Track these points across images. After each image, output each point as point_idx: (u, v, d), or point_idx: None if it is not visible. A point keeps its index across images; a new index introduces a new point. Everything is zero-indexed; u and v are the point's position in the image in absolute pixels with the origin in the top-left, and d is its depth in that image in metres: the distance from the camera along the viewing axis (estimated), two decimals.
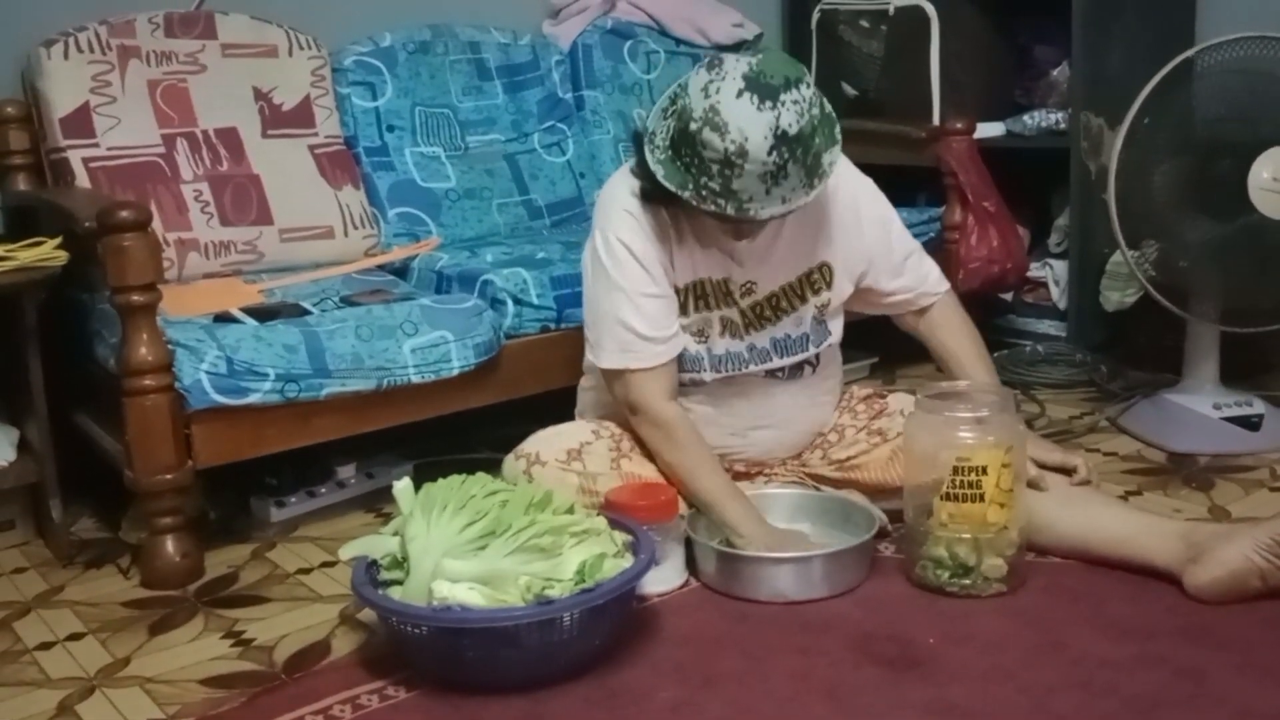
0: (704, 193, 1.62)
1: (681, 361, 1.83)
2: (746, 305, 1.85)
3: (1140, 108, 2.25)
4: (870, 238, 1.90)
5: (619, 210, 1.78)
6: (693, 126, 1.59)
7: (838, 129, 1.71)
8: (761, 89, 1.57)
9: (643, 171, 1.72)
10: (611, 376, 1.81)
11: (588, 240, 1.86)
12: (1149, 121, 2.26)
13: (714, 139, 1.58)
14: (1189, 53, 2.25)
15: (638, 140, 1.74)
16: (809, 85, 1.62)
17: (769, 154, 1.57)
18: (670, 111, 1.69)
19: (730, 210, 1.63)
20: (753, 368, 1.86)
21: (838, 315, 1.93)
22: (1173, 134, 2.26)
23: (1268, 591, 1.58)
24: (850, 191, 1.88)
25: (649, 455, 1.86)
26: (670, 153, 1.66)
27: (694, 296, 1.83)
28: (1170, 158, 2.25)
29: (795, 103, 1.58)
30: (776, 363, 1.87)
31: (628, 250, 1.76)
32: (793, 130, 1.58)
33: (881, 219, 1.93)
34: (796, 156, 1.60)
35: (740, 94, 1.57)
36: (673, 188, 1.65)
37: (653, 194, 1.73)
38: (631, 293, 1.76)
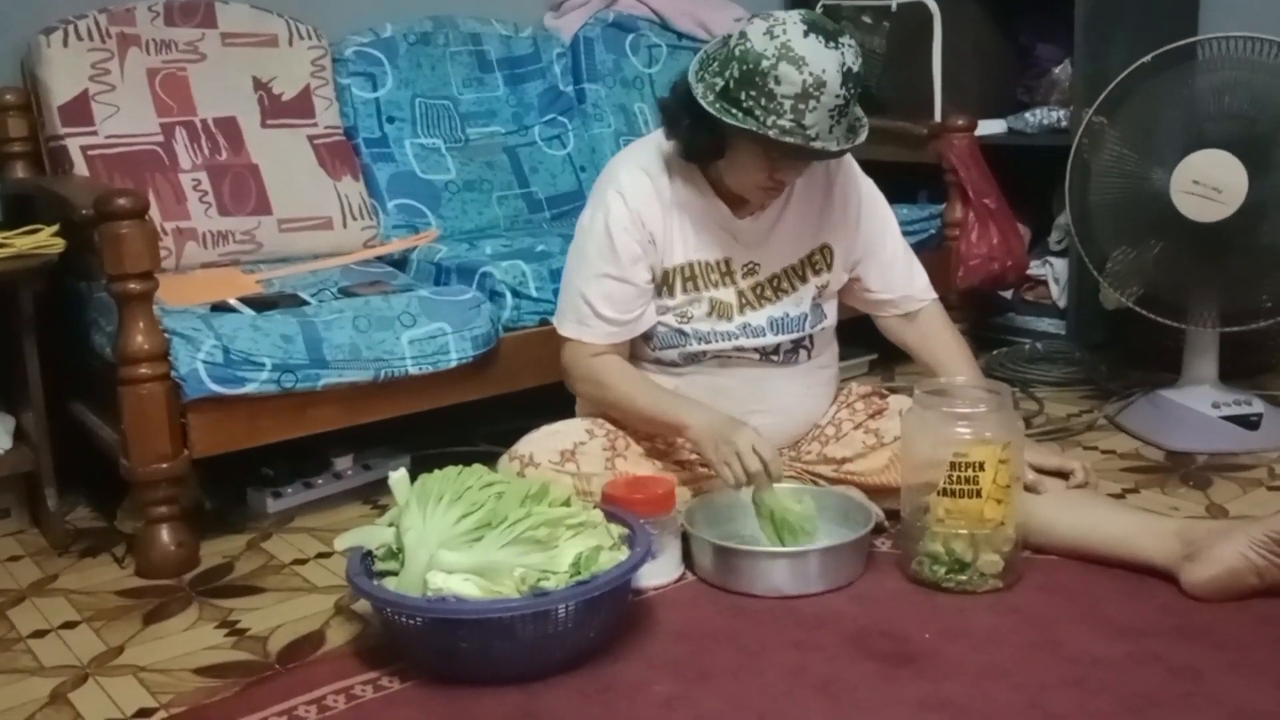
0: (774, 131, 1.65)
1: (661, 337, 1.86)
2: (747, 285, 1.86)
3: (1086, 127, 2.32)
4: (867, 230, 1.93)
5: (612, 191, 1.81)
6: (764, 64, 1.63)
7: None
8: (823, 31, 1.65)
9: (683, 131, 1.76)
10: (561, 341, 1.87)
11: (583, 211, 1.89)
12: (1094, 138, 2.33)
13: (791, 72, 1.62)
14: (1145, 58, 2.29)
15: (666, 108, 1.79)
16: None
17: (841, 87, 1.64)
18: (715, 65, 1.71)
19: (799, 143, 1.66)
20: (744, 341, 1.86)
21: (833, 299, 1.95)
22: (1118, 148, 2.31)
23: (1264, 589, 1.57)
24: (853, 181, 1.93)
25: (645, 454, 1.86)
26: (724, 101, 1.68)
27: (682, 279, 1.84)
28: (1114, 175, 2.31)
29: (850, 46, 1.66)
30: (771, 339, 1.87)
31: (608, 233, 1.80)
32: (856, 68, 1.66)
33: (879, 212, 1.96)
34: (855, 96, 1.68)
35: (806, 34, 1.64)
36: (748, 127, 1.66)
37: (697, 154, 1.78)
38: (600, 273, 1.81)
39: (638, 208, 1.80)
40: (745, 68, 1.65)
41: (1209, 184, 2.17)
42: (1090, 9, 2.74)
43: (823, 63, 1.62)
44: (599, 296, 1.81)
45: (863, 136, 1.74)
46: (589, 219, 1.84)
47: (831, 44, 1.63)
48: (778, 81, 1.63)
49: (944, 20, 2.99)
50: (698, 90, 1.70)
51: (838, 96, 1.64)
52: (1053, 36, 2.95)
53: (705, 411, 1.78)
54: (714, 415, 1.77)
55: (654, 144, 1.86)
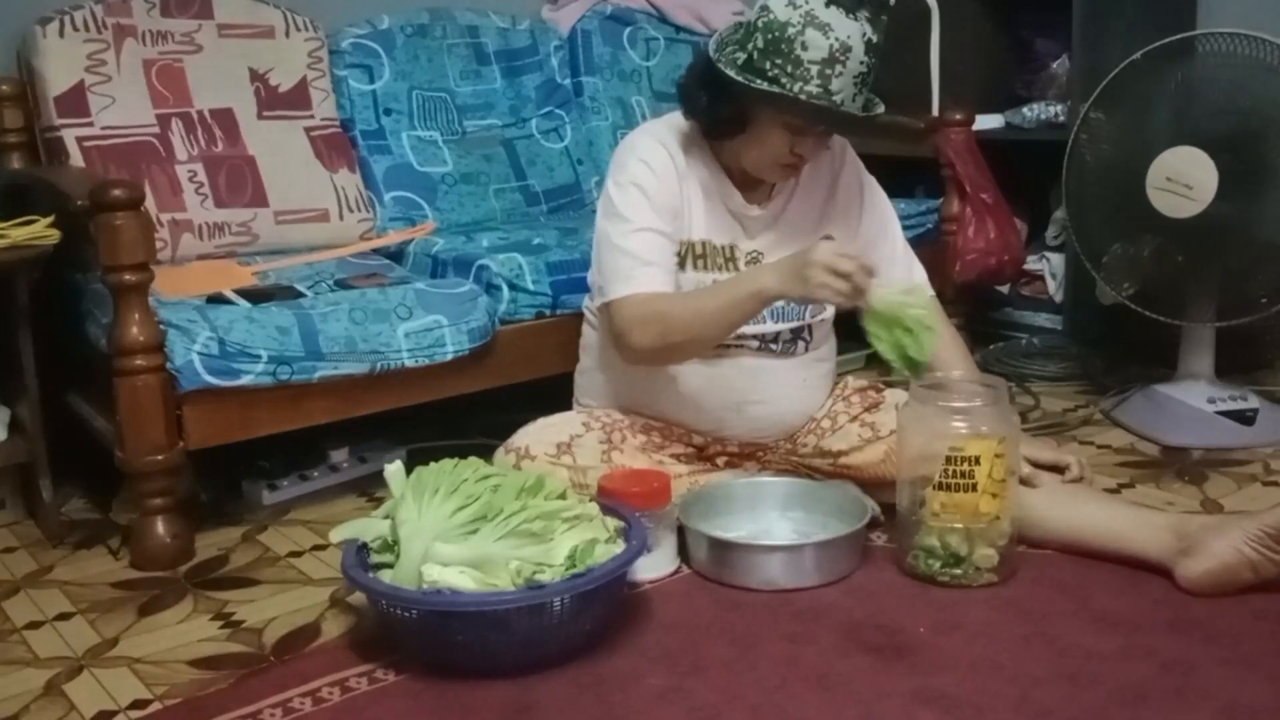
0: (803, 96, 1.67)
1: None
2: None
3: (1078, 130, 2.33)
4: (869, 224, 1.95)
5: (634, 159, 1.82)
6: (790, 31, 1.66)
7: None
8: (842, 3, 1.67)
9: (703, 108, 1.77)
10: (611, 312, 1.78)
11: (601, 194, 1.89)
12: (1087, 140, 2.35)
13: (818, 38, 1.65)
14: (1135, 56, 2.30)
15: (684, 87, 1.80)
16: None
17: (865, 54, 1.68)
18: (734, 42, 1.74)
19: (827, 105, 1.68)
20: (743, 329, 1.86)
21: None
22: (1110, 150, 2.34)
23: (1259, 584, 1.58)
24: (856, 176, 1.96)
25: (642, 448, 1.86)
26: (748, 73, 1.70)
27: (693, 255, 1.85)
28: (1108, 170, 2.33)
29: (868, 19, 1.69)
30: (770, 326, 1.87)
31: (641, 190, 1.79)
32: (876, 39, 1.69)
33: (883, 210, 1.98)
34: (874, 67, 1.70)
35: (828, 5, 1.67)
36: (770, 87, 1.68)
37: (717, 127, 1.78)
38: (639, 228, 1.78)
39: (662, 173, 1.81)
40: (770, 36, 1.68)
41: (1180, 180, 2.19)
42: (1088, 3, 2.74)
43: (847, 29, 1.66)
44: (641, 247, 1.77)
45: (881, 109, 1.78)
46: (615, 186, 1.81)
47: (852, 15, 1.67)
48: (804, 47, 1.66)
49: (942, 14, 2.99)
50: (720, 65, 1.71)
51: (861, 64, 1.67)
52: (1051, 31, 2.95)
53: (769, 267, 1.73)
54: (779, 264, 1.70)
55: (667, 124, 1.87)
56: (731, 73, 1.71)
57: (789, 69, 1.67)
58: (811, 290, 1.62)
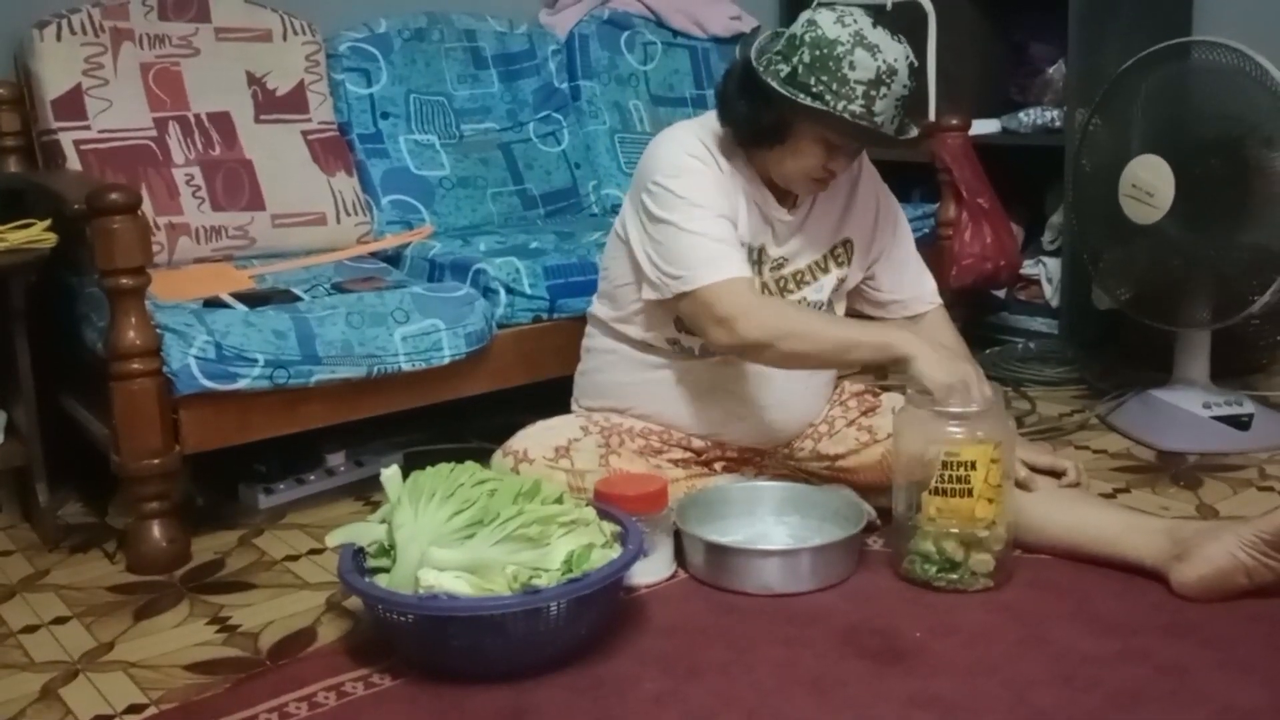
0: (847, 115, 1.69)
1: (679, 320, 1.84)
2: (771, 278, 1.87)
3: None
4: (884, 230, 1.97)
5: (684, 153, 1.78)
6: (839, 50, 1.67)
7: None
8: (885, 26, 1.70)
9: (742, 115, 1.76)
10: (706, 298, 1.71)
11: (627, 200, 1.86)
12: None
13: (866, 58, 1.67)
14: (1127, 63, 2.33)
15: (723, 93, 1.79)
16: None
17: (909, 77, 1.71)
18: (778, 52, 1.73)
19: (870, 126, 1.70)
20: None
21: (843, 299, 1.97)
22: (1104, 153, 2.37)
23: (1253, 589, 1.58)
24: (873, 183, 1.98)
25: (639, 451, 1.86)
26: (791, 87, 1.70)
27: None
28: (1103, 175, 2.35)
29: (905, 43, 1.72)
30: None
31: (703, 175, 1.77)
32: (916, 64, 1.73)
33: (896, 216, 2.01)
34: (913, 91, 1.73)
35: (875, 25, 1.70)
36: (820, 108, 1.68)
37: (756, 136, 1.77)
38: (714, 213, 1.75)
39: (713, 166, 1.79)
40: (818, 53, 1.68)
41: (1143, 188, 2.23)
42: (1084, 8, 2.75)
43: (894, 52, 1.69)
44: (722, 232, 1.74)
45: (914, 132, 1.80)
46: (669, 178, 1.75)
47: (896, 37, 1.71)
48: (853, 67, 1.67)
49: (938, 19, 2.99)
50: (763, 75, 1.71)
51: (905, 86, 1.70)
52: (1047, 36, 2.96)
53: (914, 341, 1.71)
54: (928, 344, 1.72)
55: (703, 125, 1.85)
56: (775, 84, 1.70)
57: (835, 86, 1.67)
58: (943, 383, 1.65)
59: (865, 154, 1.96)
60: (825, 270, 1.91)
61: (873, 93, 1.67)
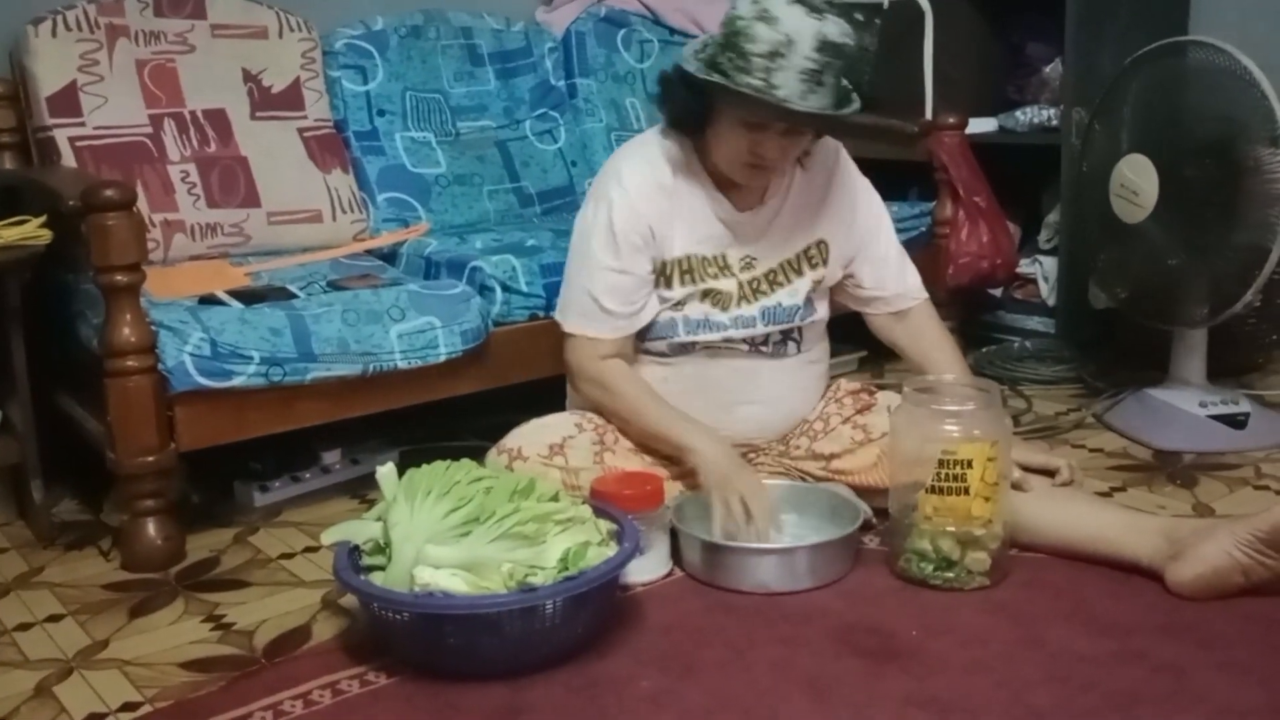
0: (745, 89, 1.67)
1: (658, 328, 1.87)
2: (746, 279, 1.87)
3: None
4: (863, 227, 1.95)
5: (613, 185, 1.83)
6: (740, 24, 1.67)
7: (854, 92, 1.79)
8: (810, 4, 1.67)
9: (670, 100, 1.80)
10: (565, 340, 1.88)
11: (582, 206, 1.90)
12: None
13: (763, 31, 1.65)
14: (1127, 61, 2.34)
15: (662, 81, 1.82)
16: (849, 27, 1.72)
17: (814, 51, 1.64)
18: (707, 40, 1.77)
19: (766, 99, 1.67)
20: (733, 333, 1.87)
21: (824, 296, 1.96)
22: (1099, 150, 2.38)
23: (1250, 588, 1.58)
24: (850, 178, 1.95)
25: (634, 448, 1.86)
26: (705, 66, 1.72)
27: (680, 271, 1.85)
28: (1099, 175, 2.36)
29: (837, 21, 1.67)
30: (760, 329, 1.88)
31: (610, 226, 1.81)
32: (836, 40, 1.66)
33: (876, 211, 1.98)
34: (835, 69, 1.67)
35: (791, 3, 1.66)
36: (715, 78, 1.69)
37: (682, 122, 1.80)
38: (604, 266, 1.82)
39: (638, 200, 1.81)
40: (727, 30, 1.69)
41: (1130, 188, 2.25)
42: (1081, 7, 2.75)
43: (797, 25, 1.64)
44: (604, 290, 1.81)
45: (850, 109, 1.74)
46: (591, 214, 1.85)
47: (814, 14, 1.65)
48: (751, 40, 1.66)
49: (935, 18, 2.99)
50: (690, 61, 1.74)
51: (808, 59, 1.64)
52: (1044, 35, 2.95)
53: (713, 441, 1.79)
54: (721, 448, 1.78)
55: (654, 138, 1.87)
56: (690, 67, 1.73)
57: (737, 61, 1.67)
58: (712, 495, 1.73)
59: (843, 150, 1.95)
60: (799, 272, 1.90)
61: (770, 65, 1.64)
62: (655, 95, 1.86)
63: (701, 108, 1.76)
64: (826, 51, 1.65)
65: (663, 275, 1.85)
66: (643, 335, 1.88)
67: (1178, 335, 2.37)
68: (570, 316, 1.87)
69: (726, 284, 1.86)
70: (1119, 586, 1.65)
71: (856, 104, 1.76)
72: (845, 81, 1.74)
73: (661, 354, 1.89)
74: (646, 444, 1.87)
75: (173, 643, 1.63)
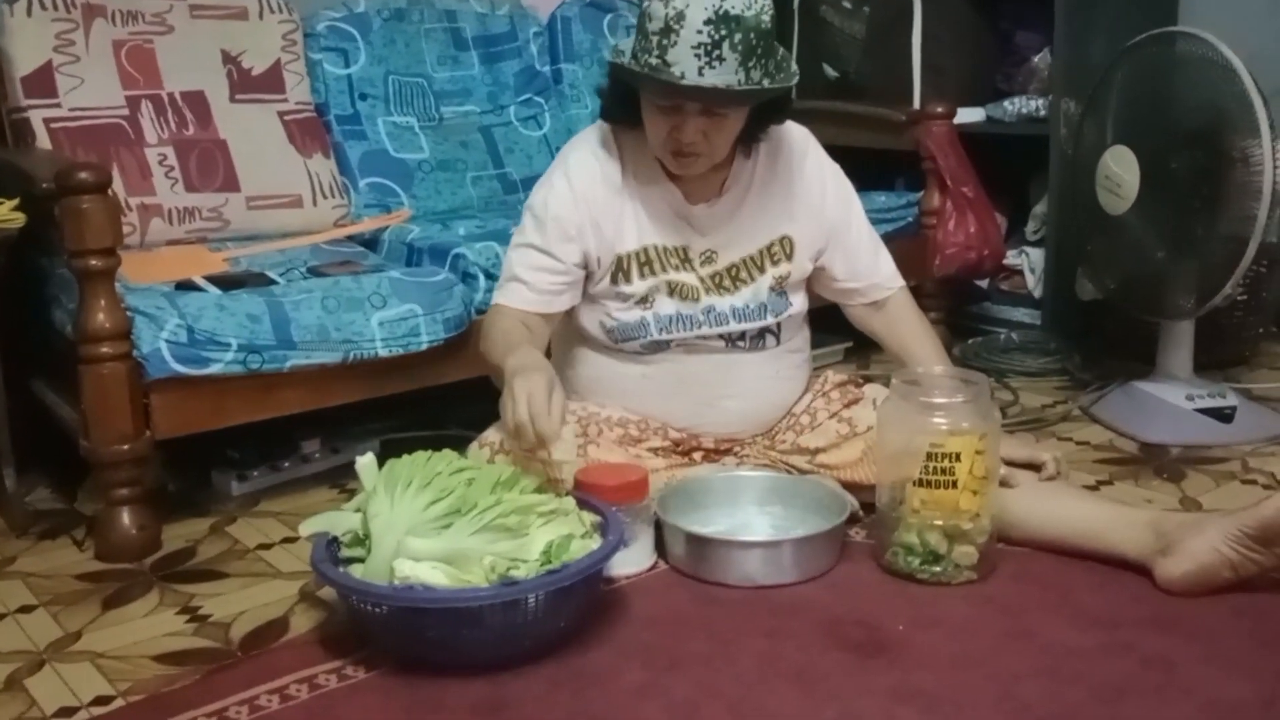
0: (643, 68, 1.64)
1: (622, 329, 1.83)
2: (706, 274, 1.84)
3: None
4: (833, 216, 1.91)
5: (558, 173, 1.82)
6: (644, 5, 1.66)
7: (791, 63, 1.74)
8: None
9: (608, 86, 1.79)
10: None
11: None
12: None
13: (658, 8, 1.63)
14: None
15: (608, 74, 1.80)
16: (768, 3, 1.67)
17: (705, 24, 1.60)
18: None
19: (662, 78, 1.63)
20: (707, 330, 1.84)
21: (799, 289, 1.92)
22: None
23: (1238, 583, 1.57)
24: (817, 166, 1.91)
25: (619, 441, 1.84)
26: (620, 55, 1.71)
27: (638, 264, 1.82)
28: (1087, 166, 2.36)
29: None
30: (734, 327, 1.86)
31: (545, 208, 1.80)
32: (734, 11, 1.60)
33: (846, 200, 1.94)
34: (734, 42, 1.61)
35: None
36: (615, 59, 1.69)
37: (611, 112, 1.79)
38: (527, 243, 1.81)
39: (582, 190, 1.79)
40: (639, 12, 1.69)
41: (1114, 179, 2.24)
42: None
43: (690, 1, 1.60)
44: (521, 263, 1.80)
45: (771, 84, 1.65)
46: (533, 198, 1.84)
47: None
48: (649, 18, 1.64)
49: (924, 7, 2.97)
50: (611, 49, 1.74)
51: (700, 33, 1.59)
52: (1033, 24, 2.94)
53: (528, 359, 1.64)
54: (527, 360, 1.63)
55: (608, 130, 1.84)
56: (608, 54, 1.71)
57: (642, 43, 1.66)
58: (503, 398, 1.61)
59: (812, 138, 1.91)
60: (761, 269, 1.86)
61: (664, 41, 1.61)
62: (598, 88, 1.86)
63: (628, 96, 1.73)
64: (723, 25, 1.59)
65: (620, 271, 1.81)
66: (616, 337, 1.85)
67: (1164, 327, 2.36)
68: (494, 295, 1.86)
69: (689, 277, 1.83)
70: (1106, 580, 1.64)
71: (786, 81, 1.69)
72: (768, 54, 1.65)
73: (637, 353, 1.86)
74: (621, 420, 1.84)
75: (147, 635, 1.60)
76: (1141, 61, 2.27)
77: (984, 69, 3.07)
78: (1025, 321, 2.98)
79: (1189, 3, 2.94)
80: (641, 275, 1.82)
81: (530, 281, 1.79)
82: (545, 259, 1.79)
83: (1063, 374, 2.70)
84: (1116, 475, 2.11)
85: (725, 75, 1.62)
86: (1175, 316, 2.29)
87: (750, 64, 1.63)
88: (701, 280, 1.84)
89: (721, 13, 1.60)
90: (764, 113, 1.76)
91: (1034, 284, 2.99)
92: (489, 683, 1.42)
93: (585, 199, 1.78)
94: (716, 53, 1.61)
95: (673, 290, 1.83)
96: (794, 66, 1.73)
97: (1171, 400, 2.31)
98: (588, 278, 1.83)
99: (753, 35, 1.62)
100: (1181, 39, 2.22)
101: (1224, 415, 2.27)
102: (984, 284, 3.07)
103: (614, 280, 1.82)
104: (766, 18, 1.65)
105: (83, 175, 1.75)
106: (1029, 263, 3.00)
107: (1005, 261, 2.97)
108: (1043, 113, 2.84)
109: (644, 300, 1.83)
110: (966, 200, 2.78)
